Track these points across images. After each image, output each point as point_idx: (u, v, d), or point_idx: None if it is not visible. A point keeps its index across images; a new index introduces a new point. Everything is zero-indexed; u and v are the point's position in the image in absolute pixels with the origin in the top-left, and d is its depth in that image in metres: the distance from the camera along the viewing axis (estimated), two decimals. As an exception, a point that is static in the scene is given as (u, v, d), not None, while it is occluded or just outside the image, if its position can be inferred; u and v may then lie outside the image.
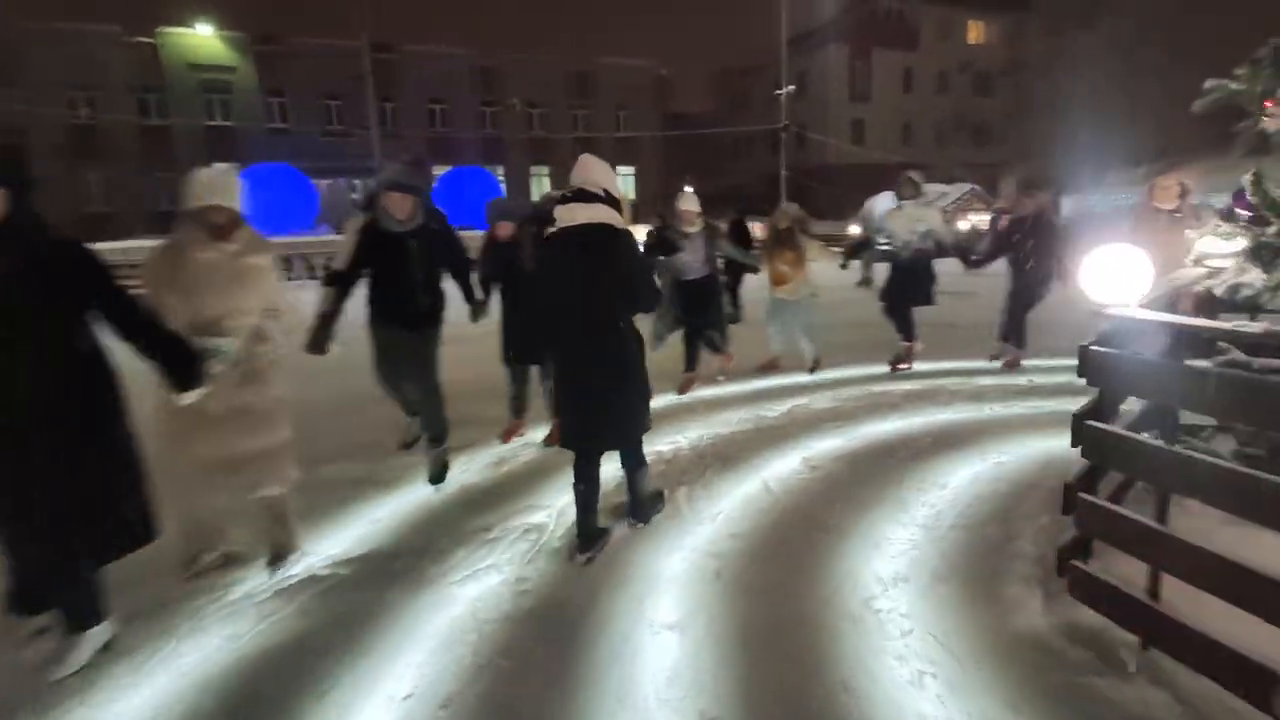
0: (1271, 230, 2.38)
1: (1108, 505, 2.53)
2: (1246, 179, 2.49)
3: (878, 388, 6.32)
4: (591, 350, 3.17)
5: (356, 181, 29.17)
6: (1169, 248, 4.30)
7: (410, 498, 4.15)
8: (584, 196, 3.05)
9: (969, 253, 7.08)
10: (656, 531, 3.63)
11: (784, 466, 4.49)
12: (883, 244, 7.35)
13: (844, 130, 38.94)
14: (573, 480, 3.42)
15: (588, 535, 3.41)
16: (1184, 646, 2.29)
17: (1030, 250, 6.63)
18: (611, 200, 3.08)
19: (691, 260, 5.94)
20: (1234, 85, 2.98)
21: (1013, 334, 6.99)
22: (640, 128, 35.61)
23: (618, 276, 3.08)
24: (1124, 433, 2.56)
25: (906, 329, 6.92)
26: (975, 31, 42.41)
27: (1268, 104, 2.94)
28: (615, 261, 3.06)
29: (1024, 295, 6.82)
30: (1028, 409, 5.60)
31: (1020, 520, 3.62)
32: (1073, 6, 42.66)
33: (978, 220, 27.61)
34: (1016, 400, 5.87)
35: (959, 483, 4.18)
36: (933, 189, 27.96)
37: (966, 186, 28.69)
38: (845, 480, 4.26)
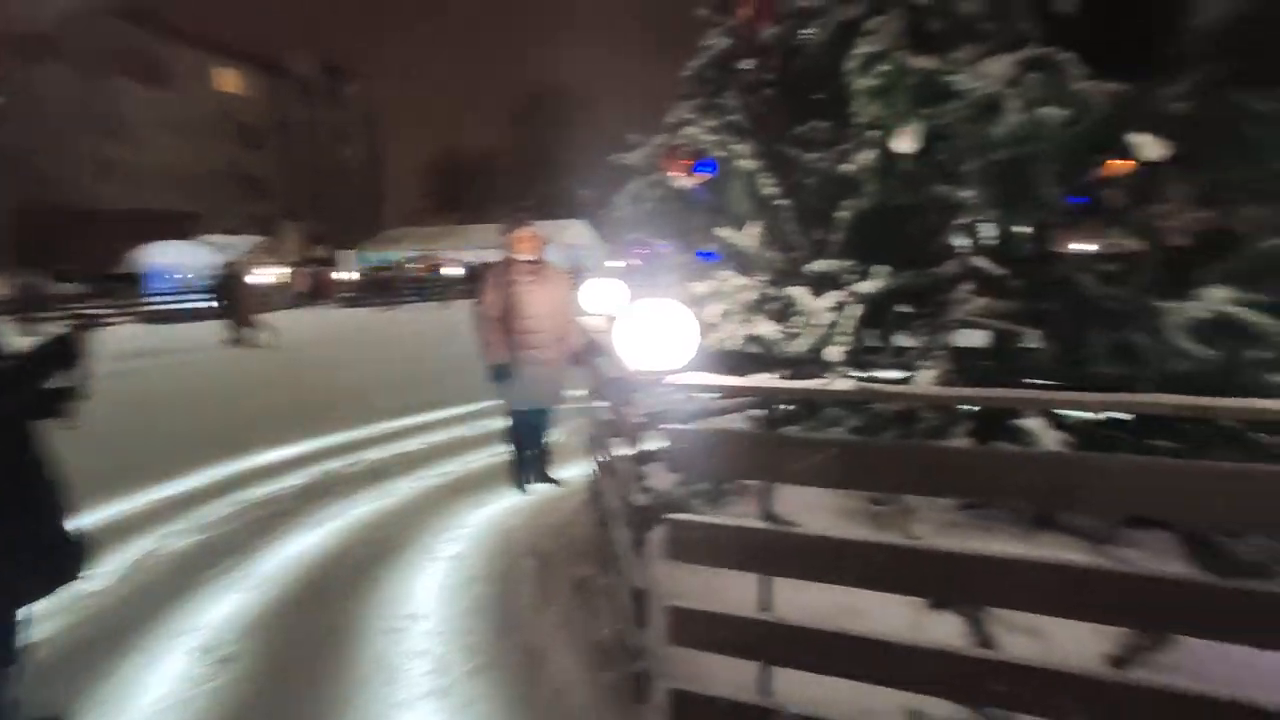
0: (763, 281, 2.37)
1: (706, 609, 2.14)
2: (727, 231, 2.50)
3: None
4: None
5: None
6: (543, 299, 4.51)
7: None
8: None
9: None
10: None
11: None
12: None
13: (82, 167, 31.76)
14: None
15: None
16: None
17: None
18: None
19: None
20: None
21: None
22: None
23: None
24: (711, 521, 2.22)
25: None
26: (233, 83, 41.01)
27: (666, 164, 3.14)
28: None
29: None
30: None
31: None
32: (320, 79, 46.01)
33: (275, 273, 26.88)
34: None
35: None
36: (220, 240, 25.52)
37: (254, 239, 27.16)
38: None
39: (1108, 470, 1.66)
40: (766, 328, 2.29)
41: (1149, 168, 2.17)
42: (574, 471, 4.99)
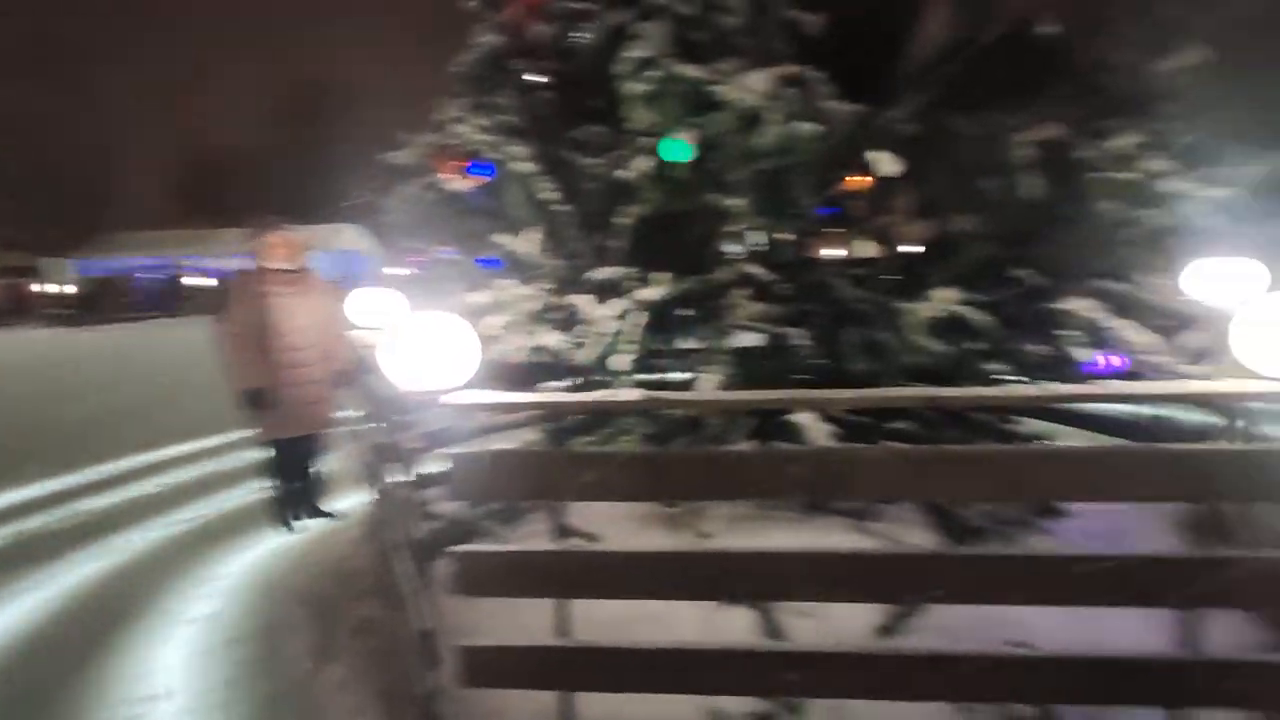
0: (547, 290, 2.28)
1: (496, 644, 1.97)
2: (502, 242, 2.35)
3: None
4: None
5: None
6: (304, 313, 4.03)
7: None
8: None
9: None
10: None
11: None
12: None
13: None
14: None
15: None
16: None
17: None
18: None
19: None
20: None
21: None
22: None
23: None
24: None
25: None
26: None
27: (437, 165, 2.92)
28: None
29: None
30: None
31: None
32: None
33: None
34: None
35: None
36: None
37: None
38: None
39: (867, 460, 1.80)
40: (551, 338, 2.20)
41: (884, 182, 2.42)
42: (350, 502, 4.53)
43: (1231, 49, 2.55)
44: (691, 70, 1.82)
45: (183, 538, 4.20)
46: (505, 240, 2.36)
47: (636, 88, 1.86)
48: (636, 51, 1.88)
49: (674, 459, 1.87)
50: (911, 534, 2.74)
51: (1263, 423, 2.16)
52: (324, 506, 4.37)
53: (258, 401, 3.89)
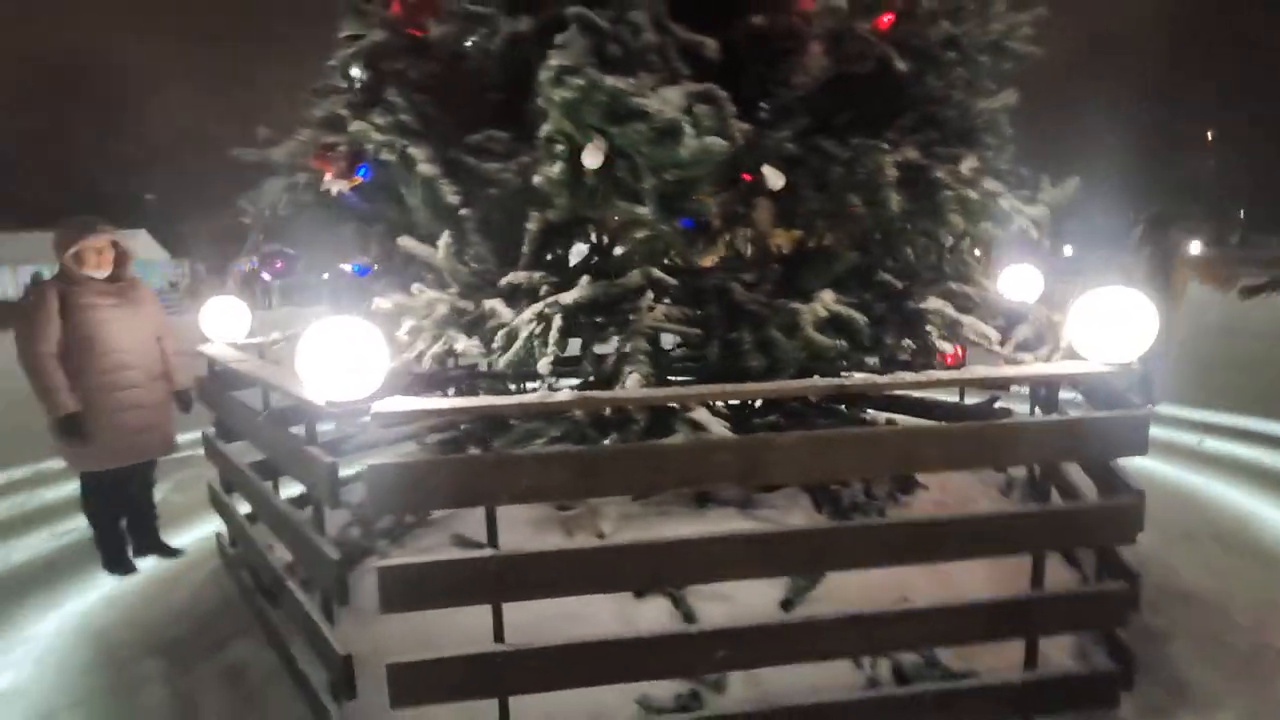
0: (452, 292, 2.26)
1: (430, 657, 1.90)
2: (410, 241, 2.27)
3: None
4: None
5: None
6: (131, 327, 3.58)
7: None
8: None
9: None
10: None
11: None
12: None
13: None
14: None
15: None
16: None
17: None
18: None
19: None
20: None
21: None
22: None
23: None
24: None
25: None
26: None
27: (318, 163, 2.76)
28: None
29: None
30: None
31: None
32: None
33: None
34: None
35: None
36: None
37: None
38: None
39: (783, 445, 1.97)
40: (464, 343, 2.16)
41: (754, 194, 2.65)
42: (194, 536, 4.06)
43: (1032, 92, 3.08)
44: (612, 80, 1.90)
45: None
46: (409, 244, 2.29)
47: (559, 94, 1.90)
48: (556, 60, 1.92)
49: (606, 455, 1.92)
50: (794, 518, 2.99)
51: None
52: (166, 542, 3.88)
53: (74, 430, 3.38)
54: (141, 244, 25.85)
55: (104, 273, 3.51)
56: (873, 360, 2.73)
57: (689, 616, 2.41)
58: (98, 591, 3.51)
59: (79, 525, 4.01)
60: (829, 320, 2.43)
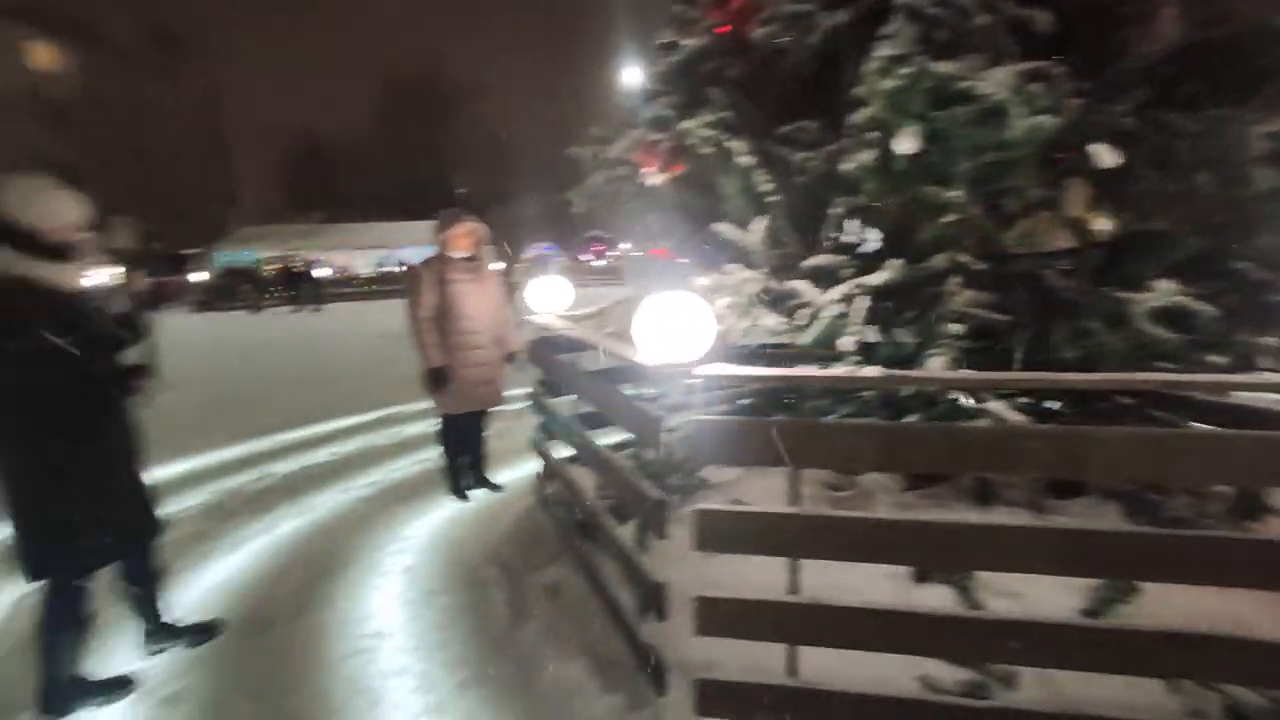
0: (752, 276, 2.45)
1: (735, 597, 2.16)
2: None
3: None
4: None
5: None
6: (481, 299, 4.37)
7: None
8: None
9: None
10: None
11: None
12: None
13: None
14: None
15: None
16: (832, 713, 2.17)
17: None
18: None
19: None
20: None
21: None
22: None
23: None
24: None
25: None
26: (43, 56, 35.91)
27: (641, 159, 3.14)
28: None
29: None
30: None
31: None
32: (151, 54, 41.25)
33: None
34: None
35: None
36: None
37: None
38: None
39: (1109, 441, 1.87)
40: (771, 320, 2.36)
41: (1071, 174, 2.46)
42: (512, 475, 4.86)
43: None
44: (943, 67, 1.94)
45: (365, 502, 4.62)
46: (725, 229, 2.54)
47: (885, 84, 2.00)
48: (886, 50, 2.02)
49: (914, 432, 1.99)
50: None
51: None
52: (491, 478, 4.72)
53: (440, 380, 4.25)
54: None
55: (466, 254, 4.35)
56: (1218, 359, 2.41)
57: (974, 608, 2.38)
58: (445, 511, 4.39)
59: (430, 456, 5.03)
60: (1163, 311, 2.21)
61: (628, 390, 2.56)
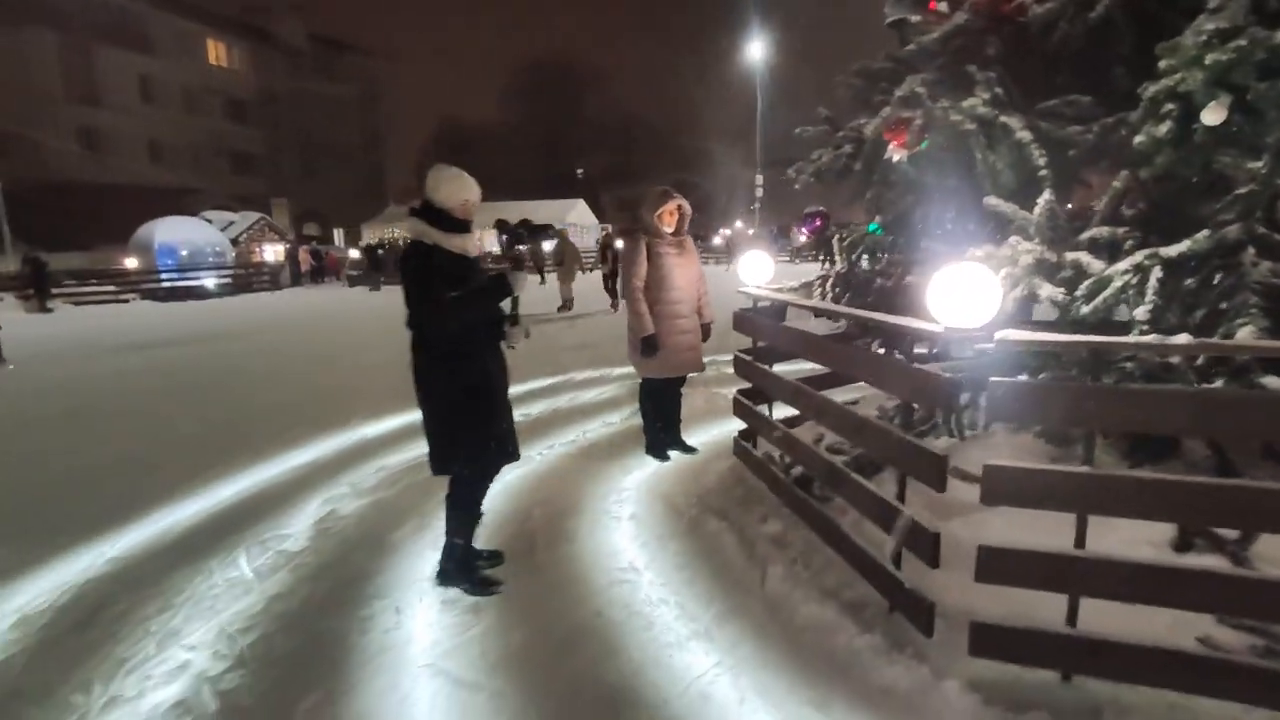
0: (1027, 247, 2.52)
1: (1017, 548, 2.31)
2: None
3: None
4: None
5: None
6: (686, 272, 4.64)
7: None
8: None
9: None
10: None
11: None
12: None
13: (68, 138, 30.80)
14: None
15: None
16: (1109, 664, 2.27)
17: None
18: (427, 211, 2.94)
19: None
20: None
21: None
22: None
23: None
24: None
25: None
26: (216, 51, 39.76)
27: (889, 136, 3.25)
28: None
29: None
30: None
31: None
32: (311, 50, 44.72)
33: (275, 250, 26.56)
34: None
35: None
36: (218, 216, 25.04)
37: (255, 216, 26.66)
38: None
39: None
40: (1047, 290, 2.45)
41: None
42: (701, 438, 5.15)
43: None
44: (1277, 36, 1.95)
45: (570, 457, 5.03)
46: (995, 203, 2.64)
47: (1209, 57, 2.03)
48: (1211, 23, 2.05)
49: (1225, 398, 2.02)
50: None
51: None
52: (687, 440, 5.02)
53: (651, 346, 4.56)
54: (578, 212, 31.25)
55: (672, 229, 4.63)
56: None
57: (1250, 576, 2.39)
58: (648, 469, 4.71)
59: (613, 420, 5.39)
60: None
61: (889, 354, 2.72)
